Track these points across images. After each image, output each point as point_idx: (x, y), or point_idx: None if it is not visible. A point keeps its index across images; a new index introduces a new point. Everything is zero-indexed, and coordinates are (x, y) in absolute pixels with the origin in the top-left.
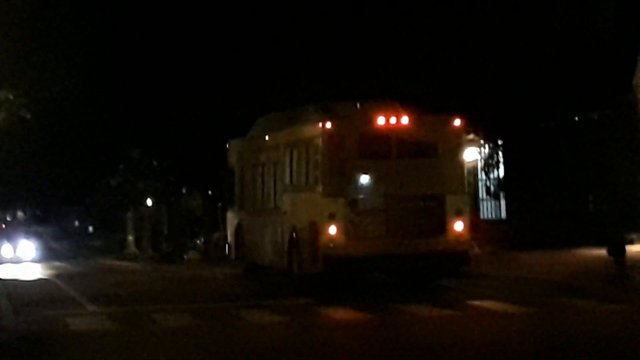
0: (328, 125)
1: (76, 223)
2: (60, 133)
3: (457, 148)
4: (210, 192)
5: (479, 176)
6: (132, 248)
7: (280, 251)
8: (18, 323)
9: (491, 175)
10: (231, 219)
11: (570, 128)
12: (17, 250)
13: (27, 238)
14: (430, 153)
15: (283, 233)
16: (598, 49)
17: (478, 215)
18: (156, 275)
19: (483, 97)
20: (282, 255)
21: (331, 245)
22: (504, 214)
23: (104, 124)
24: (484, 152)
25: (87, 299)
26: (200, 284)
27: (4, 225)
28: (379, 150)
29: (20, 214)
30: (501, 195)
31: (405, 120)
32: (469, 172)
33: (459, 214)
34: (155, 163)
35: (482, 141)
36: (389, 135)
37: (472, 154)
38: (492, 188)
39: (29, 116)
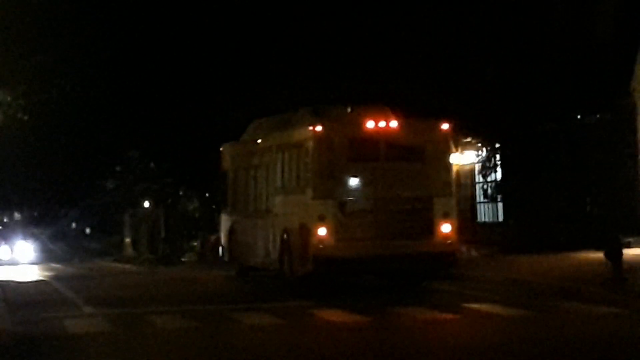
0: (318, 128)
1: (73, 225)
2: (57, 135)
3: (445, 151)
4: (207, 195)
5: (476, 179)
6: (129, 250)
7: (272, 253)
8: (15, 325)
9: (488, 178)
10: (224, 222)
11: (568, 131)
12: (15, 251)
13: (24, 240)
14: (418, 156)
15: (274, 235)
16: (596, 52)
17: (470, 218)
18: (153, 277)
19: (481, 100)
20: (274, 257)
21: (321, 246)
22: (501, 217)
23: (101, 126)
24: (482, 155)
25: (84, 300)
26: (197, 286)
27: (0, 227)
28: (368, 153)
29: (17, 215)
30: (498, 198)
31: (394, 124)
32: (467, 175)
33: (446, 216)
34: (152, 165)
35: (479, 144)
36: (378, 139)
37: (470, 157)
38: (489, 191)
39: (26, 118)
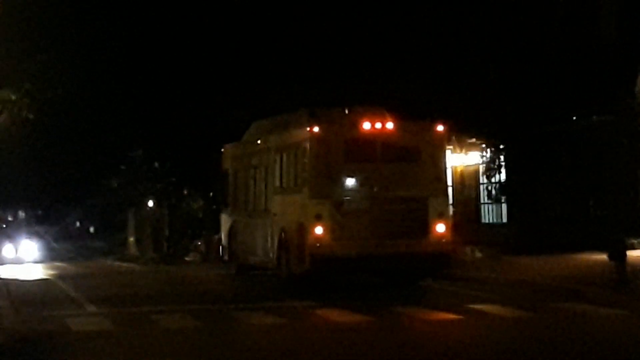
0: (315, 129)
1: (77, 224)
2: (62, 134)
3: (440, 152)
4: (211, 194)
5: (481, 180)
6: (133, 249)
7: (270, 252)
8: (18, 323)
9: (493, 180)
10: (225, 221)
11: (572, 133)
12: (19, 250)
13: (29, 238)
14: (413, 157)
15: (273, 234)
16: (600, 53)
17: (474, 219)
18: (156, 277)
19: (485, 101)
20: (272, 256)
21: (318, 245)
22: (505, 218)
23: (106, 125)
24: (486, 156)
25: (88, 299)
26: (200, 285)
27: (4, 226)
28: (365, 154)
29: (21, 214)
30: (502, 199)
31: (390, 125)
32: (471, 176)
33: (441, 216)
34: (156, 164)
35: (483, 145)
36: (374, 140)
37: (474, 158)
38: (493, 192)
39: (31, 117)
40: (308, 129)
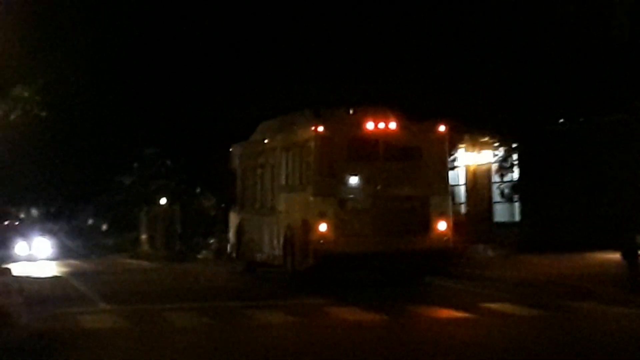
0: (320, 129)
1: (90, 221)
2: (74, 131)
3: (441, 152)
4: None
5: (493, 179)
6: (145, 247)
7: (276, 249)
8: (31, 320)
9: (505, 178)
10: (233, 219)
11: (585, 132)
12: (32, 248)
13: (41, 236)
14: (415, 156)
15: (279, 231)
16: (612, 52)
17: (487, 218)
18: (169, 274)
19: (498, 100)
20: (278, 253)
21: (321, 241)
22: (517, 217)
23: (118, 122)
24: (499, 155)
25: (100, 296)
26: (212, 283)
27: (17, 223)
28: (368, 153)
29: (34, 211)
30: (515, 198)
31: (392, 125)
32: (484, 175)
33: (442, 214)
34: (169, 162)
35: (496, 144)
36: (377, 139)
37: (487, 157)
38: (506, 191)
39: (44, 114)
40: (312, 128)
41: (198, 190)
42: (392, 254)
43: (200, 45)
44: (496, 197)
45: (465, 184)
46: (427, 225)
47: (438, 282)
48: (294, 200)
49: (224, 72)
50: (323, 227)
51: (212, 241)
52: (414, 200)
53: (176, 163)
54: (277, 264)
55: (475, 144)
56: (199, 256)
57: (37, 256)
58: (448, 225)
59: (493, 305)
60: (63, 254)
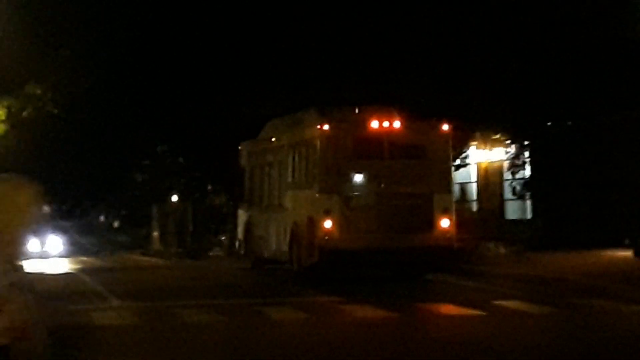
0: (325, 127)
1: (102, 218)
2: (86, 128)
3: (445, 150)
4: (237, 190)
5: (505, 176)
6: (157, 244)
7: (283, 245)
8: (44, 317)
9: (517, 176)
10: (241, 216)
11: (597, 129)
12: (45, 244)
13: (54, 233)
14: (419, 155)
15: (285, 228)
16: (626, 49)
17: (498, 215)
18: (180, 271)
19: (510, 97)
20: (284, 249)
21: (326, 238)
22: (529, 215)
23: (130, 119)
24: (511, 152)
25: (112, 293)
26: (224, 280)
27: None
28: (372, 151)
29: (46, 208)
30: (527, 195)
31: (397, 124)
32: (495, 172)
33: (445, 212)
34: (181, 159)
35: (508, 141)
36: (382, 138)
37: (498, 154)
38: (517, 188)
39: (56, 111)
40: (318, 126)
41: (210, 187)
42: (395, 251)
43: (212, 46)
44: (508, 194)
45: (477, 181)
46: (430, 223)
47: (449, 280)
48: (300, 197)
49: (235, 71)
50: (328, 223)
51: (223, 238)
52: (417, 198)
53: (188, 160)
54: (283, 260)
55: (487, 142)
56: (211, 253)
57: (50, 253)
58: (451, 223)
59: (504, 303)
60: (75, 251)
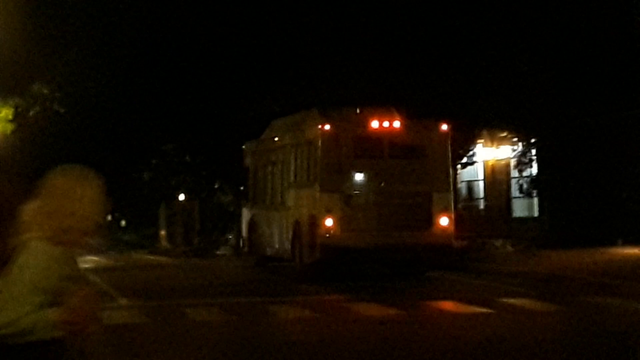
0: (326, 127)
1: (108, 217)
2: (93, 127)
3: (444, 150)
4: (242, 189)
5: (512, 174)
6: (165, 242)
7: (285, 243)
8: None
9: (524, 173)
10: (245, 215)
11: (604, 126)
12: None
13: None
14: (419, 154)
15: (288, 226)
16: (634, 46)
17: (506, 213)
18: (188, 270)
19: (517, 94)
20: (287, 247)
21: (327, 236)
22: (536, 212)
23: (137, 118)
24: (517, 150)
25: (120, 292)
26: (231, 278)
27: None
28: (373, 150)
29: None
30: (534, 193)
31: (397, 124)
32: (502, 170)
33: (444, 210)
34: (188, 158)
35: (515, 139)
36: (382, 138)
37: (505, 152)
38: (524, 186)
39: (62, 110)
40: (320, 126)
41: (217, 185)
42: (395, 248)
43: (218, 47)
44: (515, 192)
45: (484, 179)
46: (429, 221)
47: (456, 277)
48: (302, 196)
49: (240, 72)
50: (329, 221)
51: (230, 237)
52: (417, 197)
53: (195, 159)
54: (286, 257)
55: (494, 139)
56: (218, 252)
57: None
58: (450, 221)
59: (512, 301)
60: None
